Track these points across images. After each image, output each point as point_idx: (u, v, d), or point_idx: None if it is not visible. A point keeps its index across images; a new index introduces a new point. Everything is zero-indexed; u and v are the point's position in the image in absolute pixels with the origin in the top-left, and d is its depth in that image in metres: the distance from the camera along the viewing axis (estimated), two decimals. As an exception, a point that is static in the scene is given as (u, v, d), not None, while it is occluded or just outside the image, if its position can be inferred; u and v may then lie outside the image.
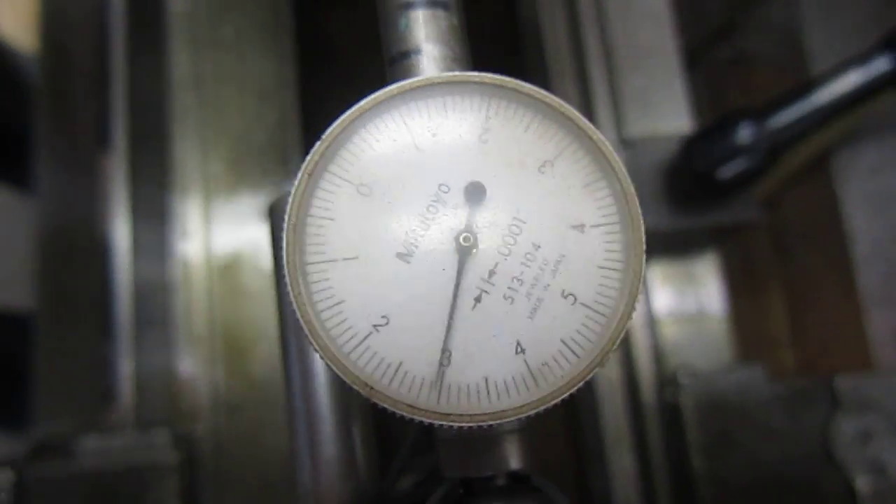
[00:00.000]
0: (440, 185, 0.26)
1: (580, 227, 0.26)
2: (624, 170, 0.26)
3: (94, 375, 0.78)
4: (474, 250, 0.25)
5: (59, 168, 0.94)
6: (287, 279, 0.24)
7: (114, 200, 0.85)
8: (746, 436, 0.65)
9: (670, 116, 0.79)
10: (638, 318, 0.71)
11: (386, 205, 0.26)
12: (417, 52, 0.29)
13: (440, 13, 0.30)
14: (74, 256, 0.92)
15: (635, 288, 0.25)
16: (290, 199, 0.25)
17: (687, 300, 0.75)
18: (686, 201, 0.68)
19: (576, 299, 0.25)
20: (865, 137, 1.27)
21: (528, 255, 0.25)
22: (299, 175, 0.25)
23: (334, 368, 0.24)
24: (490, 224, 0.26)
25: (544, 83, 0.81)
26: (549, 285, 0.25)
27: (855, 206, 1.40)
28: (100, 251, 0.89)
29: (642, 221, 0.26)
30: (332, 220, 0.25)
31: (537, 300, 0.25)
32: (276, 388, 0.66)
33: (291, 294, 0.24)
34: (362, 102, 0.26)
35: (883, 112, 0.73)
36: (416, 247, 0.25)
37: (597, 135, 0.26)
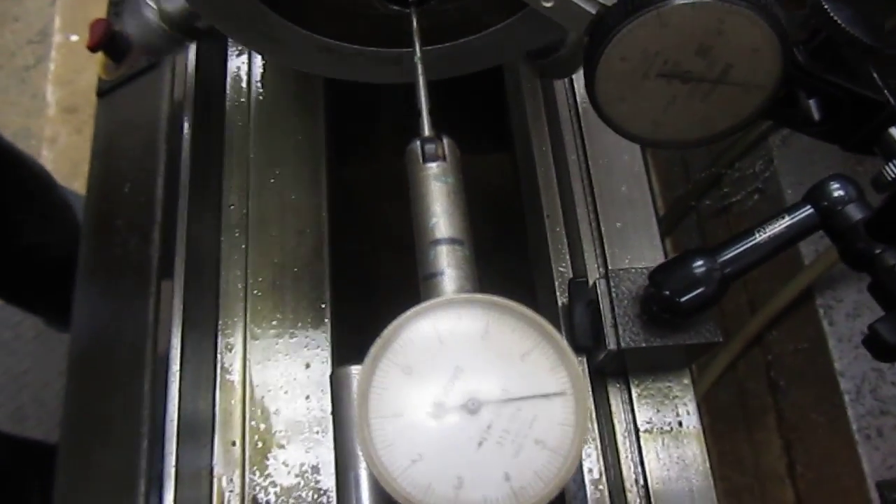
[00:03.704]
0: (456, 367, 0.40)
1: (547, 396, 0.40)
2: (575, 358, 0.40)
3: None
4: (478, 412, 0.39)
5: (95, 298, 1.00)
6: (358, 428, 0.38)
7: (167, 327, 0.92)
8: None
9: (647, 255, 0.88)
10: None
11: (420, 380, 0.40)
12: (441, 274, 0.45)
13: (457, 247, 0.45)
14: (106, 384, 0.99)
15: (581, 439, 0.38)
16: (361, 376, 0.39)
17: (666, 415, 0.81)
18: (657, 323, 0.76)
19: (544, 446, 0.39)
20: (846, 280, 1.39)
21: (513, 415, 0.39)
22: (366, 360, 0.40)
23: (387, 488, 0.37)
24: (488, 394, 0.40)
25: (539, 228, 0.95)
26: (527, 436, 0.39)
27: (840, 344, 1.51)
28: (135, 380, 0.96)
29: (589, 392, 0.39)
30: (385, 389, 0.40)
31: (519, 445, 0.39)
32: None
33: (359, 438, 0.38)
34: (407, 313, 0.41)
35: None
36: (440, 408, 0.39)
37: (557, 335, 0.40)
